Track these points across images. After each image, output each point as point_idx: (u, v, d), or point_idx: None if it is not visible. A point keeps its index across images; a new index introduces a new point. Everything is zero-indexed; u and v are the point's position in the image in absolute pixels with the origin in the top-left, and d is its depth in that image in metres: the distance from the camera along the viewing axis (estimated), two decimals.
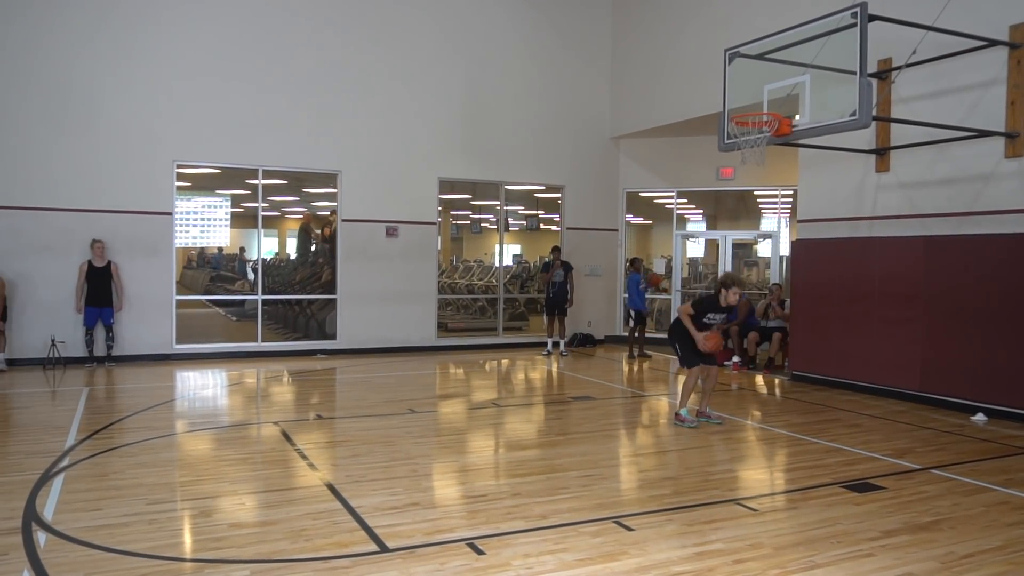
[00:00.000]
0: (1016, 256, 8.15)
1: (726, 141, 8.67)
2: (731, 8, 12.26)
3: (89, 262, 11.24)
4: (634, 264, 13.39)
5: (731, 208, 18.24)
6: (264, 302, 13.38)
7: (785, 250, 14.35)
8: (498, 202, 14.97)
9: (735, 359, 11.81)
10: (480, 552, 4.23)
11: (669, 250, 16.25)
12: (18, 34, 11.06)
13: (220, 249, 19.89)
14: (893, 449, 6.83)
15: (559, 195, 15.31)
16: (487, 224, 24.00)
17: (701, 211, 18.57)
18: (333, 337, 13.23)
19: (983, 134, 8.24)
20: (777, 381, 10.87)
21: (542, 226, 22.20)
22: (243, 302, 15.41)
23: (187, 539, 4.49)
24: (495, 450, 7.00)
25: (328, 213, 15.18)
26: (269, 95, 12.50)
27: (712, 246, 17.26)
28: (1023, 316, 8.08)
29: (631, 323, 13.25)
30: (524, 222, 23.05)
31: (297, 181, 15.36)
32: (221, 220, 14.05)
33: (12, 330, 10.99)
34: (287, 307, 14.96)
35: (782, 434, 7.51)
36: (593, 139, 15.15)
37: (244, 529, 4.61)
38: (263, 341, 12.98)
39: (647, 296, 13.50)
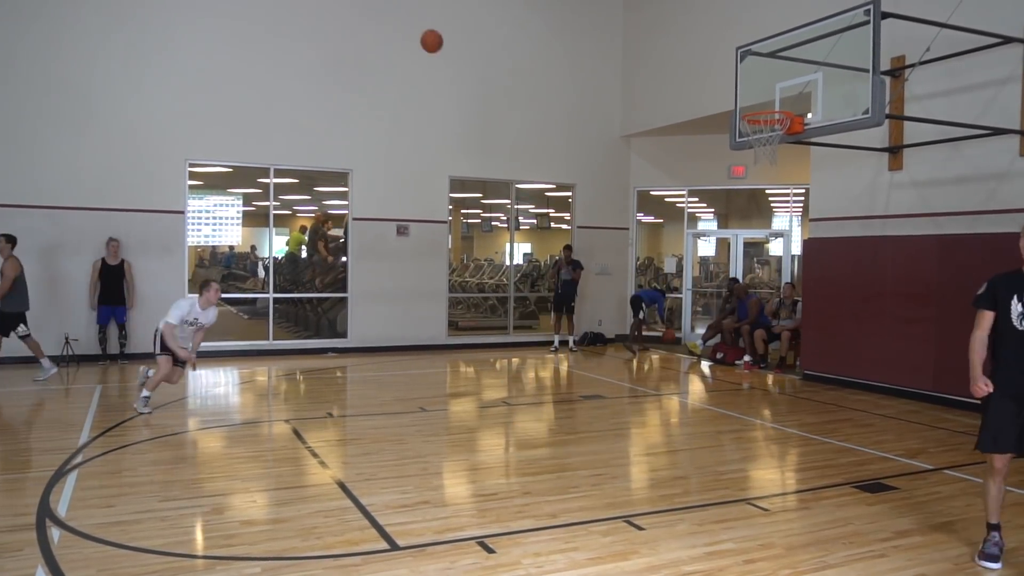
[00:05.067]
0: None
1: (738, 139, 8.64)
2: (743, 6, 12.21)
3: (103, 260, 11.31)
4: (662, 292, 14.17)
5: (743, 207, 18.18)
6: (276, 300, 13.43)
7: (797, 249, 14.28)
8: (509, 201, 14.98)
9: (746, 358, 11.77)
10: (490, 551, 4.24)
11: (680, 249, 16.21)
12: (32, 36, 11.13)
13: (232, 247, 20.01)
14: (906, 449, 6.79)
15: (570, 194, 15.30)
16: (498, 223, 24.04)
17: (712, 210, 18.53)
18: (344, 335, 13.27)
19: (997, 132, 8.16)
20: (788, 380, 10.82)
21: (552, 225, 22.18)
22: (254, 300, 15.49)
23: (199, 536, 4.52)
24: (505, 449, 7.01)
25: (329, 225, 15.26)
26: (280, 94, 12.53)
27: (723, 245, 17.21)
28: None
29: (634, 317, 13.56)
30: (535, 221, 23.01)
31: (308, 180, 15.41)
32: (233, 219, 14.12)
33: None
34: (298, 306, 15.02)
35: (793, 434, 7.48)
36: (604, 137, 15.12)
37: (255, 526, 4.63)
38: (274, 339, 13.03)
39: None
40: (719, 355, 12.41)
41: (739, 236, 14.94)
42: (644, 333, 13.75)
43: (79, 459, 6.06)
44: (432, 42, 7.77)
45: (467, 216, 24.25)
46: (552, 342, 13.92)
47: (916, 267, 9.26)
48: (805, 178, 11.91)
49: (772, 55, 8.40)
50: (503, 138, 14.21)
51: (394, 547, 4.29)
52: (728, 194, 16.96)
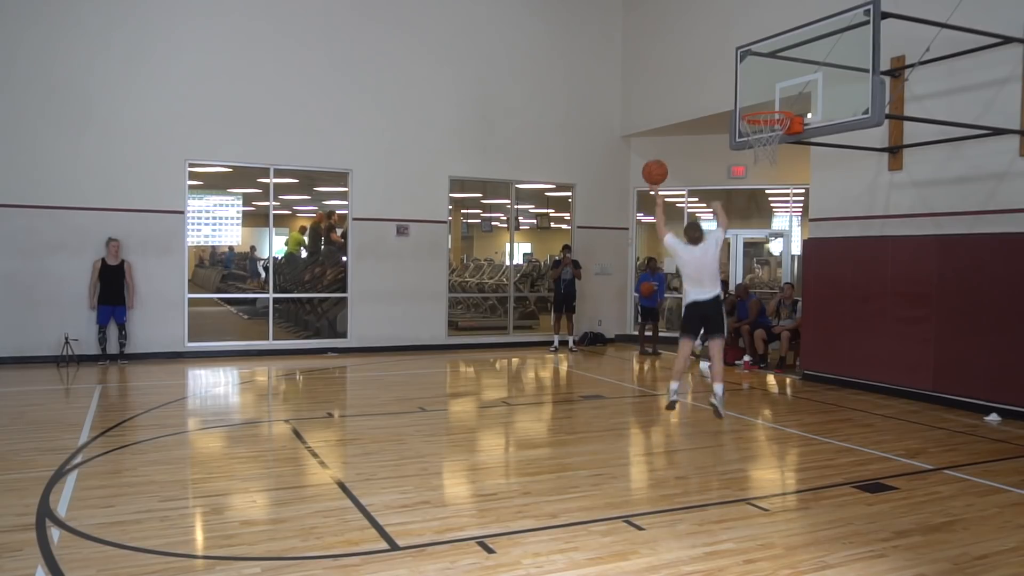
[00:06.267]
0: None
1: (738, 139, 8.64)
2: (742, 6, 12.21)
3: (103, 260, 11.31)
4: (650, 264, 13.56)
5: (743, 207, 18.16)
6: (275, 300, 13.42)
7: (797, 249, 14.28)
8: (509, 201, 14.98)
9: (746, 358, 11.77)
10: (490, 551, 4.23)
11: None
12: (33, 36, 11.13)
13: (231, 247, 20.02)
14: (905, 449, 6.78)
15: (569, 194, 15.30)
16: (498, 223, 24.05)
17: (712, 210, 18.51)
18: (344, 335, 13.26)
19: (997, 132, 8.17)
20: (789, 380, 10.82)
21: (552, 224, 22.19)
22: (254, 300, 15.50)
23: (199, 536, 4.52)
24: (505, 449, 7.01)
25: (333, 218, 15.27)
26: (280, 94, 12.53)
27: (723, 245, 17.18)
28: None
29: (639, 320, 13.47)
30: (535, 221, 23.01)
31: (308, 180, 15.42)
32: (233, 219, 14.12)
33: (27, 326, 11.08)
34: (298, 305, 15.02)
35: (794, 434, 7.48)
36: (604, 137, 15.12)
37: (255, 527, 4.63)
38: (274, 339, 13.02)
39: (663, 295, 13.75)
40: None
41: (739, 236, 14.94)
42: (646, 334, 13.67)
43: (79, 459, 6.06)
44: (656, 173, 7.72)
45: (467, 216, 24.26)
46: (552, 342, 13.94)
47: (916, 267, 9.26)
48: (805, 178, 11.91)
49: (772, 55, 8.40)
50: (503, 138, 14.21)
51: (394, 547, 4.29)
52: (728, 194, 16.91)
